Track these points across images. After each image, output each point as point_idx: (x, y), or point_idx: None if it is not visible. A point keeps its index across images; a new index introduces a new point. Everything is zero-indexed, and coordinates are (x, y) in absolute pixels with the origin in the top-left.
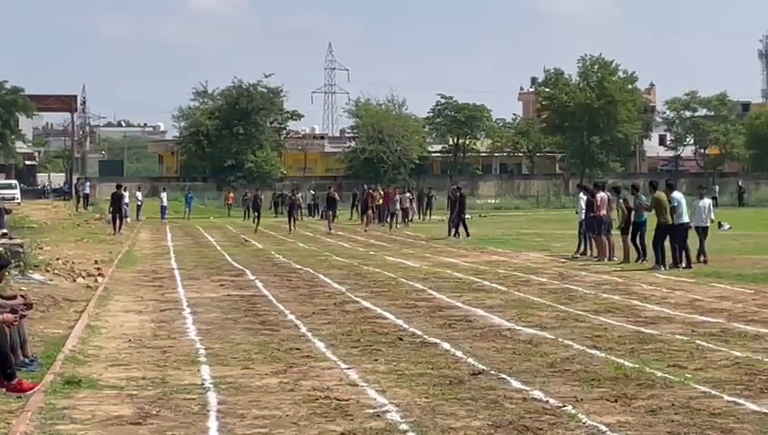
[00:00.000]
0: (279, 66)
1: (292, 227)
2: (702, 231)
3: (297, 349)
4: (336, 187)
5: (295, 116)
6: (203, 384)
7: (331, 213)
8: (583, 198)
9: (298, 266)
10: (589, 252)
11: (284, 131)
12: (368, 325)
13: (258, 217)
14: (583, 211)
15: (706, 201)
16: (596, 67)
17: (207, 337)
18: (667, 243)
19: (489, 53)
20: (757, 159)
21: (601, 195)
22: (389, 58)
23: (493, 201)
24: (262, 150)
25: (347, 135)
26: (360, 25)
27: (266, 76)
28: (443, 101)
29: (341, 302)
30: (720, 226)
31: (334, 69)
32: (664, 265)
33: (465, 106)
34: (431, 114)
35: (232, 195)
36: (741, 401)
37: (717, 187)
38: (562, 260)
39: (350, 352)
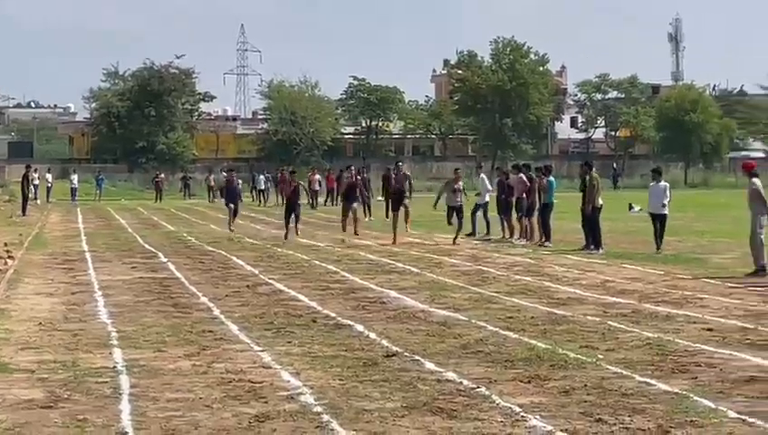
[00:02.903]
0: (191, 47)
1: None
2: (657, 218)
3: (210, 331)
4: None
5: (207, 98)
6: (115, 367)
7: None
8: (485, 179)
9: (211, 249)
10: (502, 234)
11: (196, 113)
12: (281, 307)
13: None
14: (488, 193)
15: (662, 185)
16: (508, 49)
17: (119, 320)
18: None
19: (402, 34)
20: (667, 142)
21: (520, 177)
22: (303, 40)
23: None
24: (174, 132)
25: (259, 117)
26: (272, 7)
27: (178, 57)
28: (356, 83)
29: (254, 284)
30: (630, 208)
31: (246, 50)
32: (600, 247)
33: (377, 88)
34: (344, 96)
35: (162, 176)
36: (652, 381)
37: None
38: (475, 242)
39: (264, 335)
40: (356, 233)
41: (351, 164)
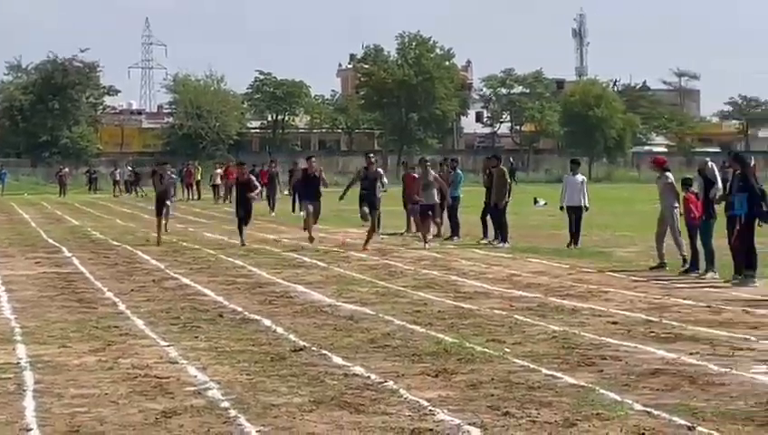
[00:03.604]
0: (95, 41)
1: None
2: (573, 211)
3: (116, 327)
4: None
5: (112, 91)
6: (18, 363)
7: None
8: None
9: (116, 243)
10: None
11: (101, 107)
12: (187, 302)
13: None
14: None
15: (579, 177)
16: (414, 44)
17: (23, 315)
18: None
19: (308, 28)
20: (571, 136)
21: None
22: (208, 34)
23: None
24: (78, 126)
25: (165, 111)
26: (177, 0)
27: (82, 51)
28: (261, 77)
29: (160, 279)
30: (535, 202)
31: (151, 44)
32: (506, 242)
33: (283, 82)
34: (250, 90)
35: (66, 170)
36: (558, 374)
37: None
38: (382, 236)
39: (170, 330)
40: (309, 238)
41: (312, 156)
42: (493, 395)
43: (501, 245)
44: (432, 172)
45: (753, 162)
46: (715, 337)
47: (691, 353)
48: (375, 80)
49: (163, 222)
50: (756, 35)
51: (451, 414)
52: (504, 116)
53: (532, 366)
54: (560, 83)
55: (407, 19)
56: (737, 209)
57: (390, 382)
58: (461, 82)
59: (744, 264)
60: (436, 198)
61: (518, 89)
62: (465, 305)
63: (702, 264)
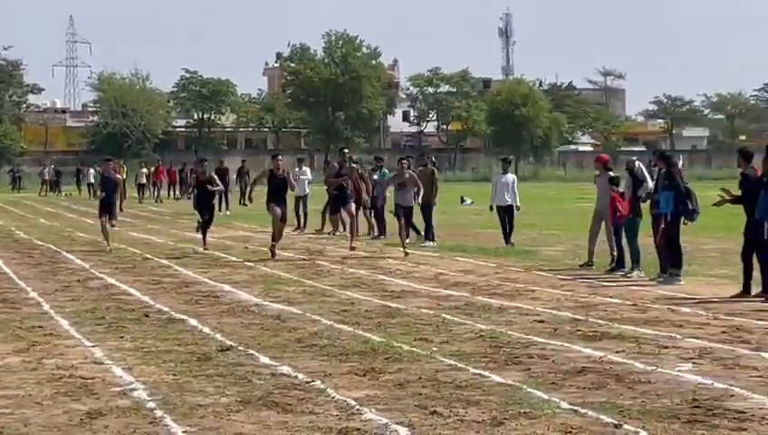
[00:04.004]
0: (18, 39)
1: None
2: (505, 211)
3: (40, 327)
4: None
5: (36, 90)
6: None
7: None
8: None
9: (40, 243)
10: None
11: (24, 105)
12: (113, 302)
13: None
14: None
15: (510, 177)
16: (341, 43)
17: None
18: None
19: (234, 27)
20: (498, 135)
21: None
22: (134, 32)
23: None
24: (1, 125)
25: (89, 109)
26: None
27: (5, 49)
28: (188, 75)
29: (85, 278)
30: (462, 200)
31: (76, 42)
32: (433, 240)
33: (209, 81)
34: (176, 89)
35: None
36: (486, 372)
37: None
38: (309, 235)
39: (95, 330)
40: (272, 245)
41: (279, 154)
42: (420, 394)
43: (427, 244)
44: (408, 172)
45: (681, 162)
46: (641, 335)
47: (617, 352)
48: (302, 79)
49: (109, 226)
50: (681, 35)
51: (379, 413)
52: (430, 115)
53: (459, 365)
54: (486, 82)
55: (333, 18)
56: (663, 208)
57: (318, 382)
58: (388, 81)
59: (670, 262)
60: (413, 200)
61: (445, 88)
62: (392, 304)
63: (628, 262)
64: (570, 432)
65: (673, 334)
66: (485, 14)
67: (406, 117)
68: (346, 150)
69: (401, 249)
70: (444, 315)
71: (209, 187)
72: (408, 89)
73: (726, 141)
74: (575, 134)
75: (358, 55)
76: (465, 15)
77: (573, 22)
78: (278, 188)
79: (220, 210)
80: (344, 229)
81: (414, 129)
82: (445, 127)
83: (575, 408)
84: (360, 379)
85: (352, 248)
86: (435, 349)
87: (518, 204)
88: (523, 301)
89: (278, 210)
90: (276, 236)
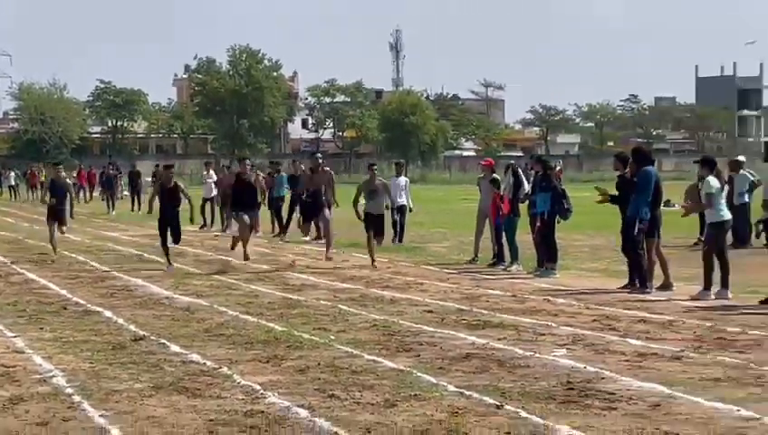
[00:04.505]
0: None
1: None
2: (398, 210)
3: None
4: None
5: None
6: None
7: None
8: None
9: None
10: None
11: None
12: (33, 296)
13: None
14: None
15: (402, 179)
16: (244, 56)
17: None
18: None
19: (147, 41)
20: (389, 142)
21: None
22: (53, 45)
23: (150, 179)
24: None
25: (10, 117)
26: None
27: None
28: (102, 85)
29: (6, 274)
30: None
31: None
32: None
33: (123, 91)
34: (91, 98)
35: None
36: (380, 359)
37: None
38: (215, 234)
39: (17, 322)
40: (245, 255)
41: (245, 157)
42: (320, 379)
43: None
44: (379, 179)
45: (559, 166)
46: (520, 324)
47: (499, 339)
48: (208, 89)
49: (59, 232)
50: (555, 48)
51: (281, 397)
52: (327, 123)
53: (355, 352)
54: (378, 93)
55: (238, 33)
56: (540, 207)
57: (225, 368)
58: (288, 92)
59: (546, 257)
60: (384, 208)
61: (340, 98)
62: (293, 297)
63: (508, 258)
64: (456, 413)
65: (549, 323)
66: (377, 30)
67: (305, 124)
68: (319, 155)
69: (372, 260)
70: (340, 306)
71: (177, 195)
72: (307, 99)
73: (596, 147)
74: (459, 141)
75: (260, 68)
76: (359, 31)
77: (458, 37)
78: (244, 194)
79: (133, 210)
80: (317, 237)
81: (312, 135)
82: (340, 134)
83: (461, 390)
84: (263, 365)
85: (329, 259)
86: (332, 337)
87: (411, 205)
88: (413, 293)
89: (246, 218)
90: (244, 240)
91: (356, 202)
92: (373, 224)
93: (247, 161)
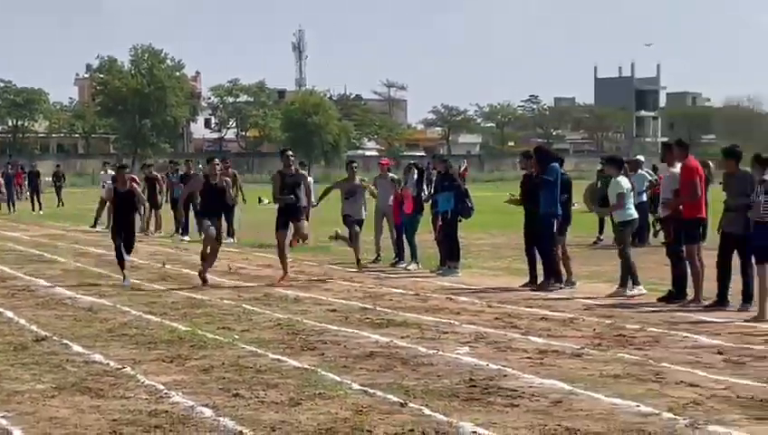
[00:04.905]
0: None
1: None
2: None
3: None
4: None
5: None
6: None
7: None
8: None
9: None
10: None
11: None
12: None
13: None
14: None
15: (309, 179)
16: (146, 56)
17: None
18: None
19: (47, 40)
20: (292, 141)
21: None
22: None
23: (48, 179)
24: None
25: None
26: None
27: None
28: (2, 84)
29: None
30: (260, 201)
31: None
32: (233, 237)
33: (23, 90)
34: None
35: None
36: (284, 358)
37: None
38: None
39: None
40: (202, 268)
41: (214, 157)
42: (224, 378)
43: (229, 240)
44: (359, 178)
45: (465, 166)
46: (423, 322)
47: (402, 337)
48: (110, 88)
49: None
50: (456, 50)
51: (185, 397)
52: (230, 122)
53: (259, 351)
54: (281, 93)
55: (140, 33)
56: (442, 206)
57: (128, 368)
58: (191, 91)
59: (448, 256)
60: (364, 212)
61: (243, 98)
62: (196, 296)
63: (407, 256)
64: (360, 411)
65: (452, 321)
66: (280, 31)
67: (207, 124)
68: (290, 153)
69: (356, 264)
70: (244, 306)
71: (133, 205)
72: (210, 98)
73: (497, 147)
74: (362, 140)
75: (163, 67)
76: (261, 32)
77: (360, 38)
78: (212, 199)
79: (33, 210)
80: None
81: (215, 135)
82: (243, 133)
83: (365, 389)
84: (167, 365)
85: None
86: (236, 337)
87: (314, 203)
88: (316, 292)
89: (212, 229)
90: (208, 257)
91: (323, 196)
92: (352, 227)
93: (216, 161)
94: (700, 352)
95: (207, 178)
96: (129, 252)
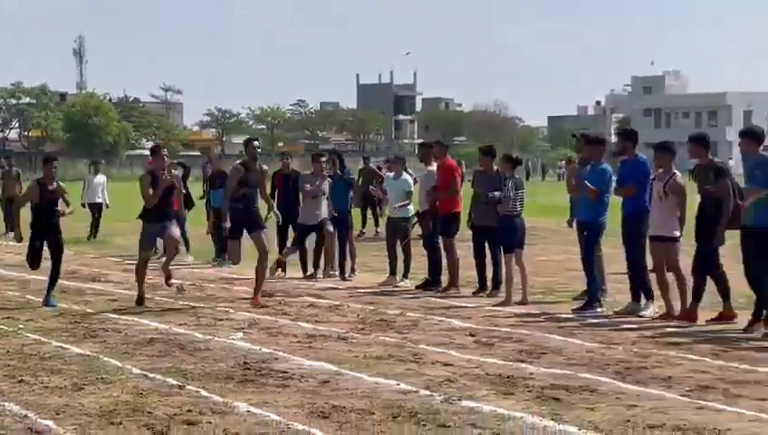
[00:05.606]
0: None
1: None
2: (95, 207)
3: None
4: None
5: None
6: None
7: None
8: None
9: None
10: None
11: None
12: None
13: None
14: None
15: (100, 177)
16: None
17: None
18: None
19: None
20: (73, 142)
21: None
22: None
23: None
24: None
25: None
26: None
27: None
28: None
29: None
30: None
31: None
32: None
33: None
34: None
35: None
36: (67, 345)
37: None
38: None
39: None
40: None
41: (160, 145)
42: (9, 366)
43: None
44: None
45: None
46: (200, 310)
47: (180, 324)
48: None
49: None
50: (231, 55)
51: None
52: (13, 123)
53: (43, 339)
54: (63, 96)
55: None
56: (214, 202)
57: None
58: None
59: (222, 248)
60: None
61: (26, 100)
62: None
63: (183, 250)
64: (141, 394)
65: (227, 309)
66: (62, 36)
67: None
68: (257, 143)
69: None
70: (29, 296)
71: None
72: None
73: (267, 148)
74: (141, 141)
75: None
76: (43, 37)
77: (139, 43)
78: (163, 199)
79: None
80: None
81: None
82: (26, 133)
83: (145, 373)
84: None
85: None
86: (21, 326)
87: (107, 202)
88: (98, 283)
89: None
90: (165, 270)
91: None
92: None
93: (165, 150)
94: (454, 334)
95: (153, 173)
96: (58, 263)
